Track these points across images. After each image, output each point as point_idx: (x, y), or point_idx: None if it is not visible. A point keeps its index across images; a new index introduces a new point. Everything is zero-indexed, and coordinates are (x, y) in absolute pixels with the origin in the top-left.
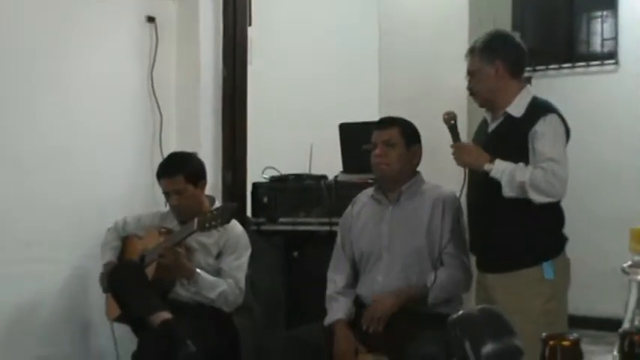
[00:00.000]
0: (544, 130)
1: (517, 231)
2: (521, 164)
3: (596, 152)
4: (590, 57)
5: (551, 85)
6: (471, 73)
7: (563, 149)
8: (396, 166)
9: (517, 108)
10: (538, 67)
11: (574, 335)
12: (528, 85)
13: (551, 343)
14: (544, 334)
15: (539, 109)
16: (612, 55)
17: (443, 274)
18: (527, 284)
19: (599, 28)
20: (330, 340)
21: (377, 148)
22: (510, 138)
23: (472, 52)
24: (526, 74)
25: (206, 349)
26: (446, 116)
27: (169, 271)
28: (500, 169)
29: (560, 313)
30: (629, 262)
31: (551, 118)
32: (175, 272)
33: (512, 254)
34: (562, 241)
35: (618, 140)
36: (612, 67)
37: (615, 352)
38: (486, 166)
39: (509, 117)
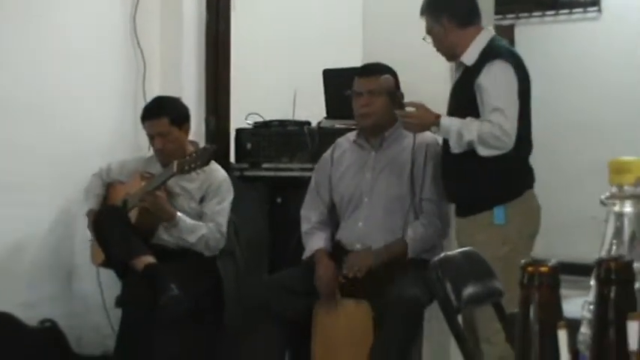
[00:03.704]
0: (487, 78)
1: (470, 177)
2: (468, 119)
3: (578, 102)
4: (573, 4)
5: (535, 32)
6: (428, 33)
7: (510, 96)
8: (382, 116)
9: (469, 56)
10: (521, 15)
11: (552, 262)
12: (487, 29)
13: (529, 269)
14: (522, 261)
15: (488, 55)
16: (595, 3)
17: (420, 228)
18: (478, 228)
19: None
20: (311, 275)
21: (361, 97)
22: (463, 88)
23: (422, 13)
24: (509, 21)
25: (189, 293)
26: (384, 84)
27: (151, 216)
28: (445, 128)
29: (514, 259)
30: (608, 194)
31: (496, 65)
32: (157, 216)
33: (466, 199)
34: (517, 187)
35: (600, 89)
36: (595, 14)
37: (592, 282)
38: (432, 129)
39: (464, 66)
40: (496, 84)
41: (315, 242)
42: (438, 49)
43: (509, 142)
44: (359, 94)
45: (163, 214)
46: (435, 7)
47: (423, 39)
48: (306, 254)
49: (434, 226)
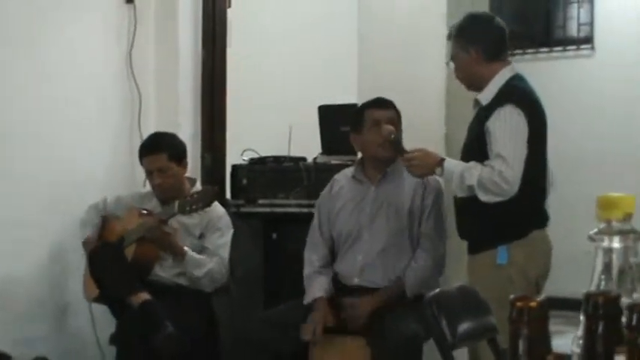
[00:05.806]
0: (496, 123)
1: (476, 215)
2: (472, 163)
3: (571, 137)
4: (566, 42)
5: (528, 69)
6: (452, 59)
7: (515, 144)
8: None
9: (486, 95)
10: (515, 51)
11: (541, 297)
12: (509, 67)
13: (518, 304)
14: (511, 297)
15: (501, 98)
16: (588, 40)
17: (417, 271)
18: (483, 267)
19: (576, 12)
20: (308, 313)
21: (386, 126)
22: (475, 128)
23: (449, 38)
24: None
25: (184, 330)
26: (385, 133)
27: (149, 252)
28: (449, 170)
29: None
30: (595, 230)
31: (506, 110)
32: (164, 250)
33: (472, 237)
34: (521, 227)
35: (593, 125)
36: (588, 51)
37: (581, 317)
38: (437, 171)
39: (480, 105)
40: (503, 130)
41: (317, 289)
42: (459, 77)
43: (509, 189)
44: (378, 123)
45: (172, 248)
46: (465, 35)
47: (446, 64)
48: (307, 300)
49: (428, 263)
